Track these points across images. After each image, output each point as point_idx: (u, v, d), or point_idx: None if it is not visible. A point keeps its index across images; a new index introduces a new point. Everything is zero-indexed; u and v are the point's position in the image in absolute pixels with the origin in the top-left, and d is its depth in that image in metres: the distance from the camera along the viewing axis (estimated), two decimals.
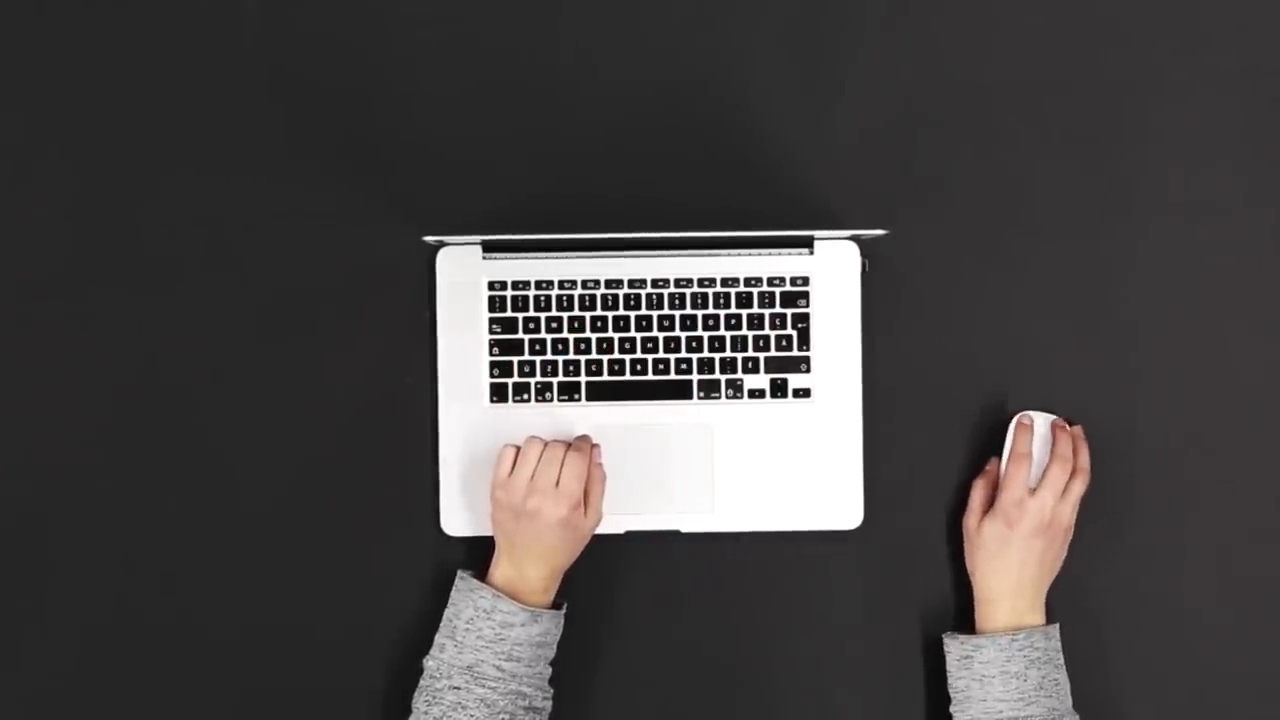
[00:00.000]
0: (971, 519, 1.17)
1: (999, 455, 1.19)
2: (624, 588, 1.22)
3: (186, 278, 1.22)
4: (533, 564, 1.13)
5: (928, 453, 1.22)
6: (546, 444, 1.13)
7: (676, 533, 1.21)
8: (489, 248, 1.20)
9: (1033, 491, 1.14)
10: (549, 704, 1.13)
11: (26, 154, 1.22)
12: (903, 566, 1.21)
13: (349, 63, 1.23)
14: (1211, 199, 1.23)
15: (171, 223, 1.22)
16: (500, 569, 1.14)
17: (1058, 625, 1.15)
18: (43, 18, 1.23)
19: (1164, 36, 1.23)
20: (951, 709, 1.14)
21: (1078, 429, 1.19)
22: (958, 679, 1.14)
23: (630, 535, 1.21)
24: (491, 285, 1.21)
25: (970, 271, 1.23)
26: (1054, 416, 1.19)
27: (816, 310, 1.21)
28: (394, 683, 1.20)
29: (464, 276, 1.21)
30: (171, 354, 1.22)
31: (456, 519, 1.21)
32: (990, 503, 1.17)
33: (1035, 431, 1.18)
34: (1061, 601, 1.21)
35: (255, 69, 1.23)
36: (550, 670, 1.14)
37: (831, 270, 1.21)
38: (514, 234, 1.17)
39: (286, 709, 1.21)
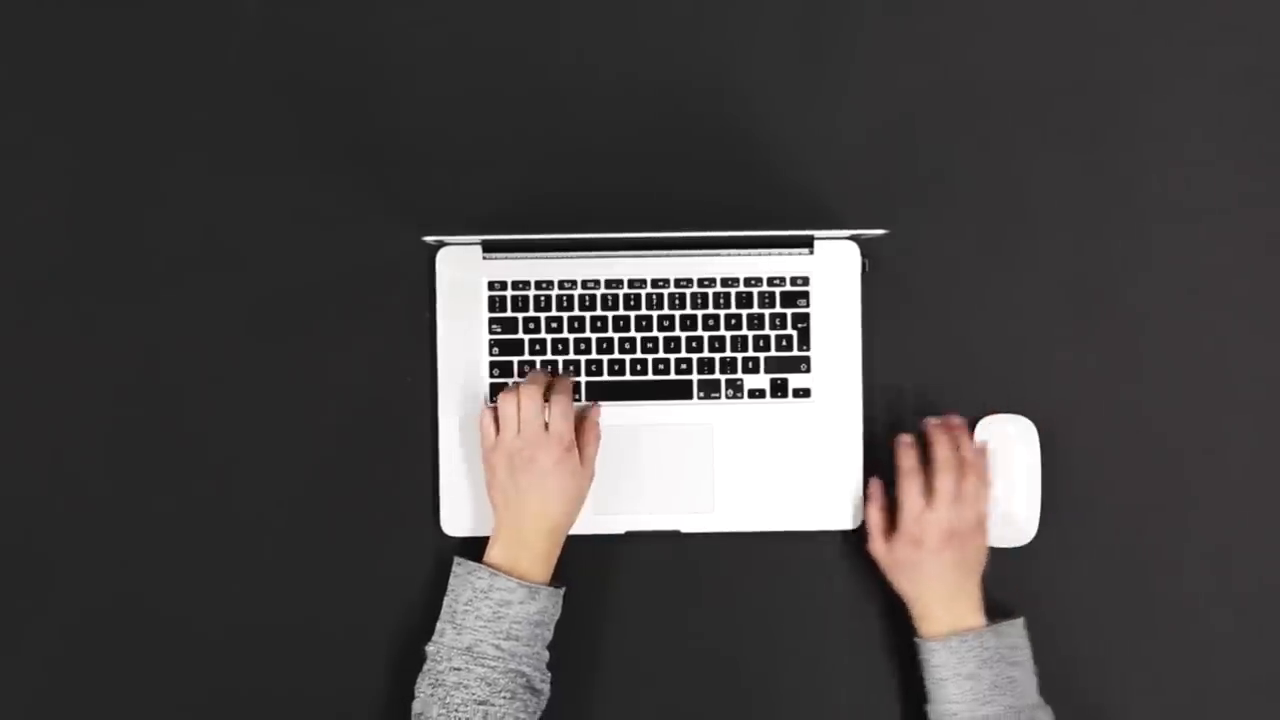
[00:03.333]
0: (877, 545, 1.17)
1: (880, 478, 1.19)
2: (624, 588, 1.22)
3: (187, 278, 1.22)
4: (532, 524, 1.13)
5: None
6: (521, 395, 1.13)
7: (676, 533, 1.21)
8: (489, 248, 1.20)
9: (929, 504, 1.14)
10: (547, 687, 1.13)
11: (27, 154, 1.22)
12: None
13: (349, 63, 1.23)
14: (1211, 199, 1.23)
15: (171, 222, 1.22)
16: (498, 545, 1.14)
17: (1021, 620, 1.15)
18: (43, 18, 1.23)
19: (1163, 36, 1.23)
20: (925, 706, 1.15)
21: (956, 421, 1.18)
22: (925, 679, 1.15)
23: (630, 535, 1.21)
24: (491, 285, 1.21)
25: (970, 271, 1.23)
26: (933, 419, 1.18)
27: (816, 310, 1.21)
28: (394, 682, 1.20)
29: (464, 276, 1.21)
30: (171, 354, 1.22)
31: (456, 519, 1.21)
32: (890, 523, 1.17)
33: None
34: (1061, 601, 1.21)
35: (255, 69, 1.23)
36: (548, 654, 1.14)
37: (831, 270, 1.21)
38: (514, 234, 1.17)
39: (287, 709, 1.21)
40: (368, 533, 1.22)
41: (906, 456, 1.17)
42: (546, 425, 1.13)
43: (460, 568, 1.14)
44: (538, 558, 1.13)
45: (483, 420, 1.16)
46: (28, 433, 1.22)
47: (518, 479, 1.13)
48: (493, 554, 1.14)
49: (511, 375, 1.20)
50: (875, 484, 1.19)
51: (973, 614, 1.14)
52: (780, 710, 1.21)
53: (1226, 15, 1.23)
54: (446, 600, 1.14)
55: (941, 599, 1.14)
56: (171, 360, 1.22)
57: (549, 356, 1.20)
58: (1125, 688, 1.22)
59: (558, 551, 1.15)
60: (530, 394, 1.13)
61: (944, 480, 1.14)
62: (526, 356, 1.21)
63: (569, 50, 1.23)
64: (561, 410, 1.13)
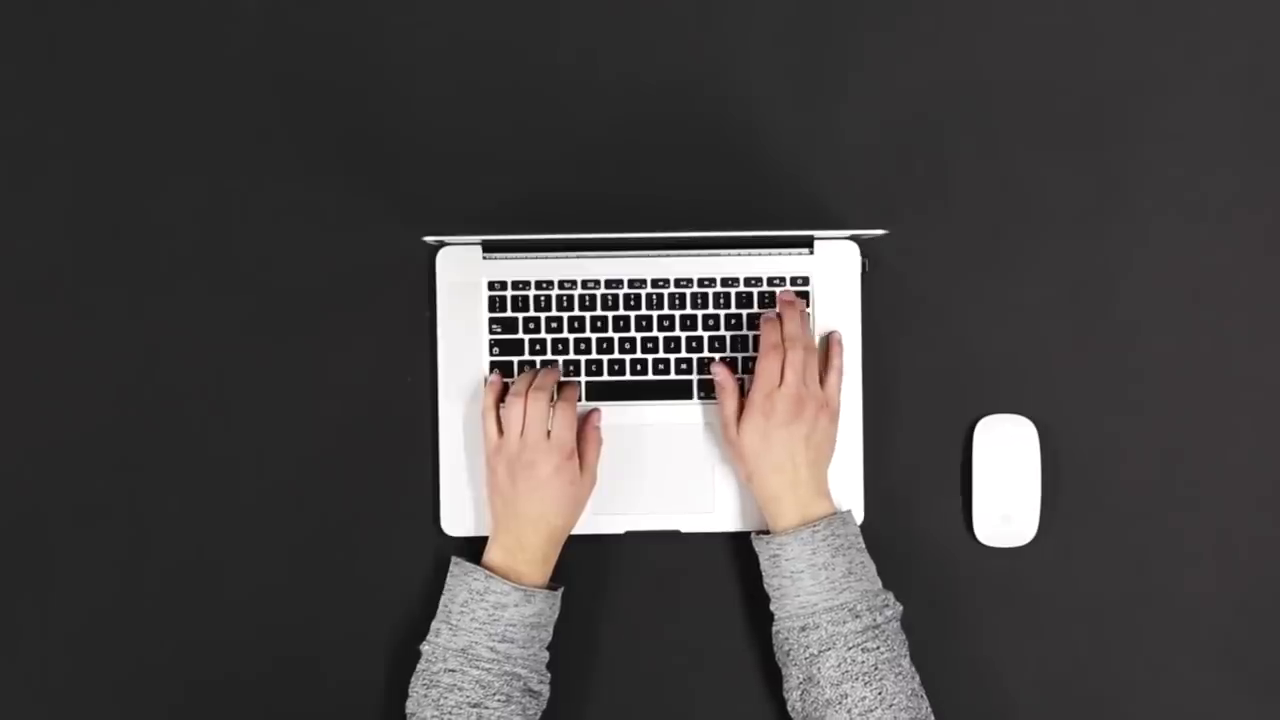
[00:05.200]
0: (729, 429, 1.16)
1: (729, 365, 1.18)
2: (624, 588, 1.22)
3: (186, 278, 1.22)
4: (530, 527, 1.13)
5: (928, 453, 1.22)
6: (527, 400, 1.14)
7: (676, 533, 1.21)
8: (489, 248, 1.20)
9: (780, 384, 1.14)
10: (546, 687, 1.13)
11: (26, 154, 1.22)
12: (902, 566, 1.21)
13: (349, 63, 1.23)
14: (1211, 199, 1.23)
15: (171, 223, 1.22)
16: (497, 546, 1.14)
17: (850, 511, 1.15)
18: (43, 18, 1.23)
19: (1164, 37, 1.23)
20: (771, 606, 1.14)
21: (802, 305, 1.19)
22: (771, 578, 1.14)
23: (630, 535, 1.21)
24: (491, 285, 1.21)
25: (970, 271, 1.23)
26: (785, 294, 1.19)
27: (816, 310, 1.21)
28: (394, 681, 1.20)
29: (464, 276, 1.21)
30: (171, 354, 1.22)
31: (456, 519, 1.21)
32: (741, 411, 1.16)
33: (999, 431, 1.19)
34: (1061, 601, 1.21)
35: (255, 69, 1.23)
36: (548, 654, 1.14)
37: (831, 270, 1.21)
38: (514, 234, 1.17)
39: (287, 708, 1.21)
40: (368, 533, 1.22)
41: (771, 331, 1.16)
42: (549, 432, 1.13)
43: (457, 567, 1.14)
44: (535, 561, 1.13)
45: (486, 422, 1.16)
46: (28, 433, 1.21)
47: (517, 484, 1.13)
48: (491, 555, 1.14)
49: (512, 375, 1.20)
50: (724, 371, 1.17)
51: (822, 500, 1.14)
52: (779, 710, 1.20)
53: (1226, 16, 1.23)
54: (443, 599, 1.14)
55: (789, 482, 1.13)
56: (172, 360, 1.22)
57: (549, 356, 1.20)
58: (1125, 687, 1.22)
59: (556, 555, 1.15)
60: (536, 399, 1.13)
61: (793, 353, 1.14)
62: (526, 356, 1.21)
63: (569, 50, 1.23)
64: (565, 417, 1.14)
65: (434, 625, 1.13)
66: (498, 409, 1.16)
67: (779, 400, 1.13)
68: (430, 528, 1.21)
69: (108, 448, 1.21)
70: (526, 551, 1.13)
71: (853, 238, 1.21)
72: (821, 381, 1.17)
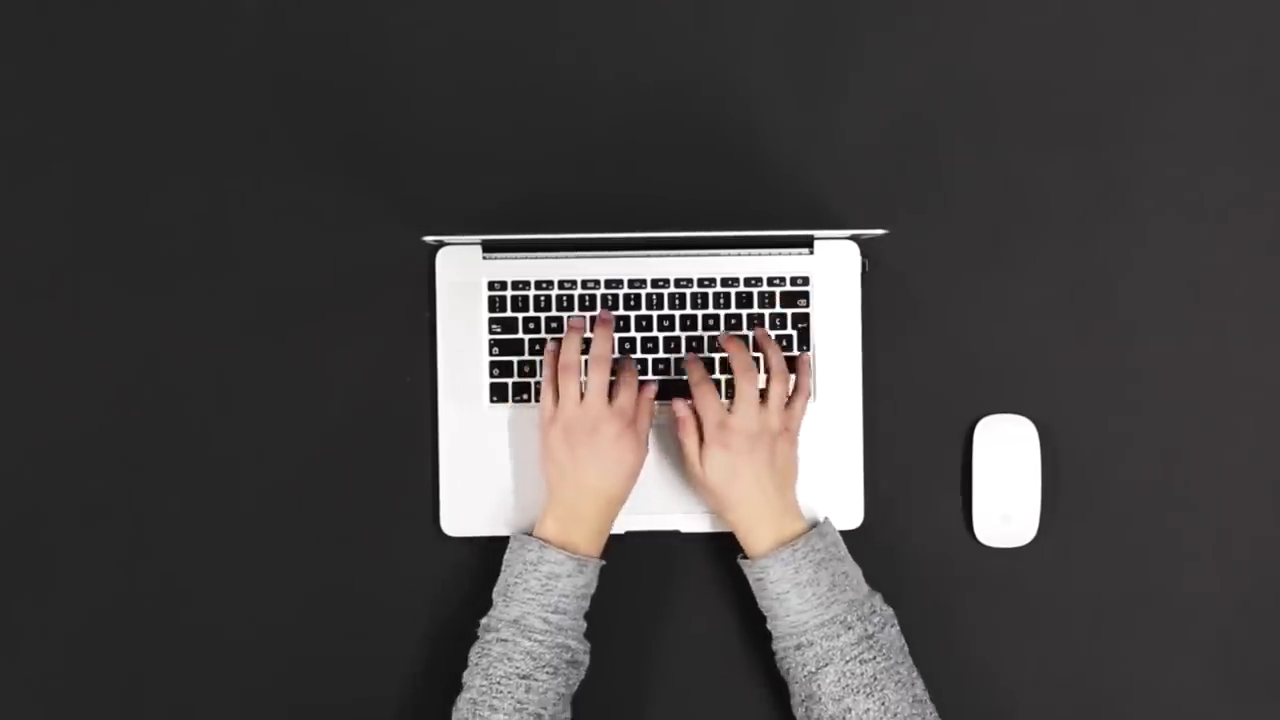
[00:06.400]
0: (694, 466, 1.16)
1: (705, 364, 1.18)
2: (624, 588, 1.22)
3: (186, 278, 1.22)
4: (589, 496, 1.13)
5: (928, 453, 1.22)
6: (590, 368, 1.13)
7: (676, 533, 1.21)
8: (489, 248, 1.20)
9: (730, 410, 1.14)
10: (588, 657, 1.14)
11: (26, 154, 1.22)
12: (903, 566, 1.21)
13: (348, 63, 1.23)
14: (1211, 199, 1.23)
15: (171, 223, 1.22)
16: (551, 519, 1.14)
17: (827, 517, 1.15)
18: (43, 18, 1.23)
19: (1164, 36, 1.23)
20: (767, 626, 1.14)
21: (759, 331, 1.19)
22: (761, 600, 1.14)
23: (630, 535, 1.21)
24: (491, 285, 1.21)
25: (970, 272, 1.23)
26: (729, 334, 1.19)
27: (816, 310, 1.21)
28: (394, 681, 1.20)
29: (464, 276, 1.21)
30: (171, 354, 1.22)
31: (456, 519, 1.21)
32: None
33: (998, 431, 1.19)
34: (1061, 601, 1.21)
35: (255, 69, 1.23)
36: (585, 624, 1.14)
37: (831, 270, 1.21)
38: (514, 234, 1.17)
39: (285, 709, 1.21)
40: (368, 533, 1.22)
41: (695, 369, 1.16)
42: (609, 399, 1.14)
43: (515, 541, 1.14)
44: (593, 532, 1.14)
45: (545, 392, 1.16)
46: (28, 433, 1.21)
47: (576, 451, 1.13)
48: (546, 527, 1.14)
49: (511, 375, 1.20)
50: (682, 405, 1.17)
51: (795, 520, 1.14)
52: (778, 710, 1.20)
53: (1226, 16, 1.23)
54: (501, 576, 1.14)
55: (760, 511, 1.13)
56: (172, 360, 1.22)
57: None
58: (1125, 687, 1.22)
59: (610, 526, 1.15)
60: (598, 367, 1.14)
61: (742, 384, 1.14)
62: (526, 356, 1.21)
63: (569, 50, 1.23)
64: (630, 386, 1.14)
65: (494, 599, 1.13)
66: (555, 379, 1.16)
67: (735, 433, 1.13)
68: (430, 528, 1.21)
69: (108, 448, 1.21)
70: (583, 522, 1.13)
71: (853, 238, 1.21)
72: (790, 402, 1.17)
